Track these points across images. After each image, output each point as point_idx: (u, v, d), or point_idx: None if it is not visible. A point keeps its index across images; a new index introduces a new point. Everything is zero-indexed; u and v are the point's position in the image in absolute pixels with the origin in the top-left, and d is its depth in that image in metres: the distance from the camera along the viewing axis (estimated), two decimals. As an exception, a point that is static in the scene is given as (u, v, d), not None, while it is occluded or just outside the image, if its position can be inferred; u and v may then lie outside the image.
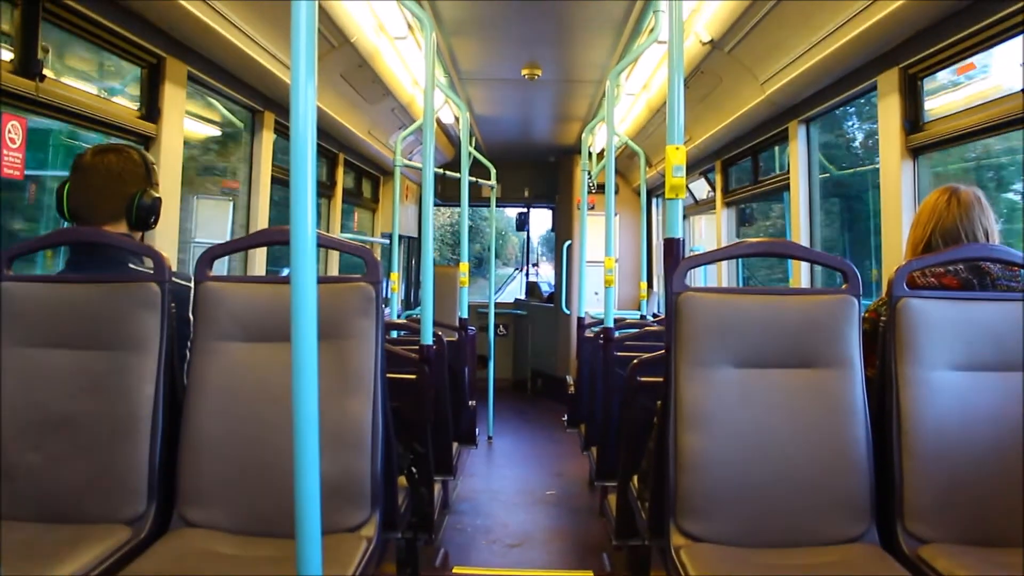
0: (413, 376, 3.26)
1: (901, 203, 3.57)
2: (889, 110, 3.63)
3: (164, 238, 3.44)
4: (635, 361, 3.28)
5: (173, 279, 2.30)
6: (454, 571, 3.88)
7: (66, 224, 2.48)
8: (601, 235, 5.52)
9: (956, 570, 1.95)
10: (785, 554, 2.13)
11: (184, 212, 3.83)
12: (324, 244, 2.13)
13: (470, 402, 5.21)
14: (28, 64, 2.77)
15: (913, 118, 3.55)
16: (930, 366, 2.25)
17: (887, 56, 3.58)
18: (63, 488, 2.12)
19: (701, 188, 7.36)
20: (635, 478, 3.03)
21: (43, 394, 2.19)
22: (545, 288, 10.94)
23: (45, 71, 2.82)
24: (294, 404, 1.45)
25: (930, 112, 3.53)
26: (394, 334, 5.10)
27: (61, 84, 3.01)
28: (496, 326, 8.40)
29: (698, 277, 6.45)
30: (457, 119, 7.09)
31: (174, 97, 3.60)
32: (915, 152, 3.57)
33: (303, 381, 1.44)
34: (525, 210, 11.30)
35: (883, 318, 2.37)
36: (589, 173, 7.08)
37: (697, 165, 6.70)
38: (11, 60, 2.75)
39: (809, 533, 2.20)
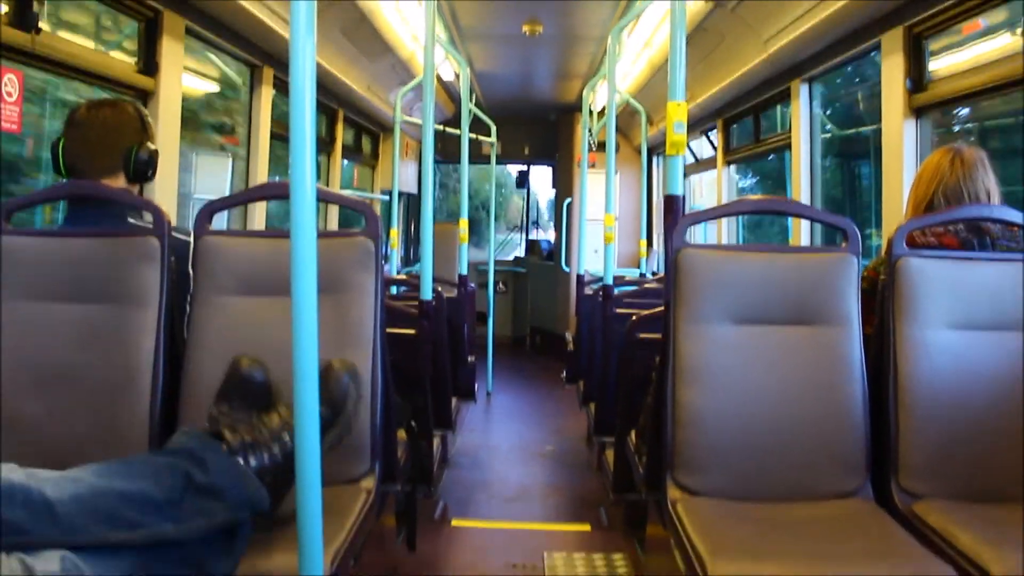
0: (413, 331, 3.28)
1: (903, 163, 3.56)
2: (892, 69, 3.61)
3: (163, 193, 3.43)
4: (634, 317, 3.29)
5: (173, 233, 2.30)
6: (452, 524, 3.92)
7: (63, 180, 2.48)
8: (601, 193, 5.51)
9: (948, 525, 1.97)
10: (780, 508, 2.15)
11: (183, 168, 3.82)
12: (324, 198, 2.13)
13: (469, 358, 5.23)
14: (23, 17, 2.75)
15: (916, 77, 3.53)
16: (928, 325, 2.26)
17: (891, 15, 3.55)
18: (64, 440, 2.13)
19: (701, 148, 7.33)
20: (633, 433, 3.05)
21: (44, 347, 2.20)
22: (544, 246, 10.94)
23: (42, 24, 2.80)
24: (294, 357, 1.46)
25: (933, 73, 3.50)
26: (394, 290, 5.12)
27: (57, 37, 2.98)
28: (495, 283, 8.41)
29: (698, 236, 6.46)
30: (457, 76, 7.04)
31: (172, 51, 3.57)
32: (918, 112, 3.56)
33: (303, 334, 1.44)
34: (525, 168, 11.26)
35: (882, 277, 2.38)
36: (590, 131, 7.05)
37: (698, 124, 6.66)
38: (6, 13, 2.73)
39: (804, 487, 2.23)
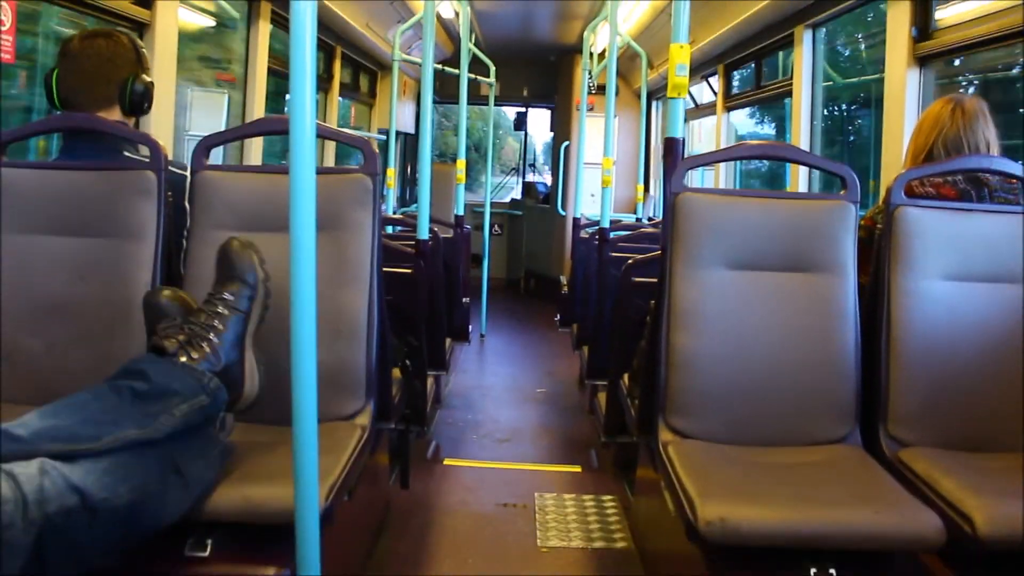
0: (409, 270, 3.28)
1: (904, 112, 3.53)
2: (898, 16, 3.56)
3: (160, 127, 3.39)
4: (630, 261, 3.30)
5: (169, 167, 2.28)
6: (444, 463, 3.96)
7: (57, 112, 2.45)
8: (599, 137, 5.48)
9: (933, 472, 2.01)
10: (770, 452, 2.19)
11: (177, 106, 3.77)
12: (322, 135, 2.12)
13: (464, 299, 5.24)
14: (18, -57, 2.70)
15: (922, 25, 3.48)
16: (923, 275, 2.28)
17: (899, -40, 3.50)
18: (62, 373, 2.14)
19: (701, 93, 7.27)
20: (626, 377, 3.07)
21: (41, 280, 2.20)
22: (541, 189, 10.89)
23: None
24: (291, 293, 1.46)
25: (939, 21, 3.46)
26: (389, 230, 5.10)
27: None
28: (491, 225, 8.40)
29: (695, 182, 6.43)
30: (457, 14, 6.95)
31: (169, -19, 3.51)
32: (922, 61, 3.52)
33: (301, 271, 1.44)
34: (524, 110, 11.17)
35: (879, 226, 2.38)
36: (590, 73, 6.98)
37: (699, 68, 6.59)
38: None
39: (795, 433, 2.26)
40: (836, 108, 5.47)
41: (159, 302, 1.88)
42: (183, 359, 1.76)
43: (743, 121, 6.62)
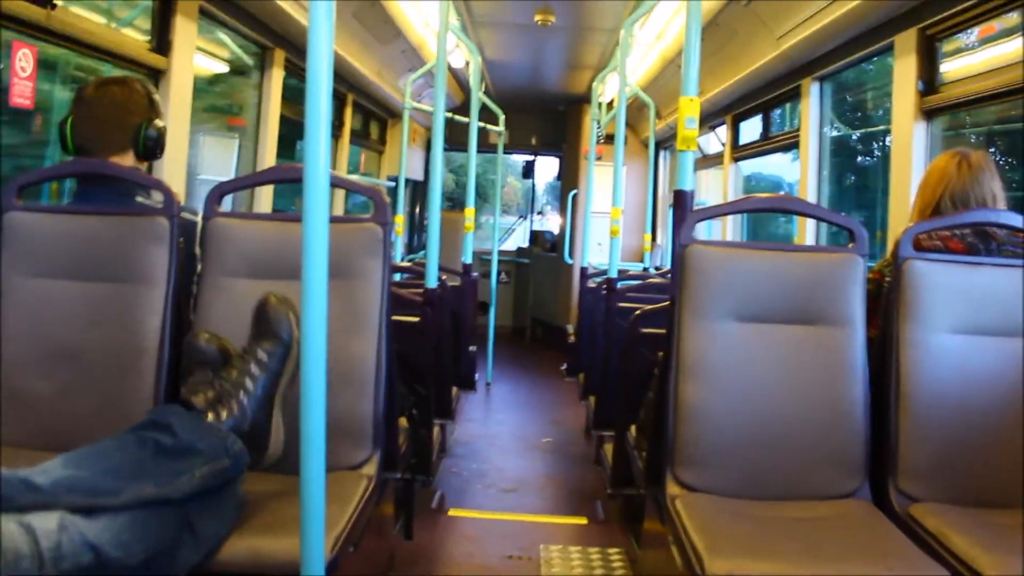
0: (416, 319, 3.28)
1: (911, 165, 3.55)
2: (905, 71, 3.60)
3: (173, 173, 3.43)
4: (638, 312, 3.30)
5: (182, 213, 2.30)
6: (449, 513, 3.93)
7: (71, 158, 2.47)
8: (607, 186, 5.50)
9: (944, 528, 1.98)
10: (779, 507, 2.16)
11: (189, 149, 3.82)
12: (335, 184, 2.13)
13: (471, 347, 5.23)
14: (39, -8, 2.75)
15: (928, 80, 3.52)
16: (932, 329, 2.27)
17: (906, 16, 3.54)
18: (70, 418, 2.14)
19: (708, 144, 7.32)
20: (633, 428, 3.06)
21: (51, 324, 2.20)
22: (548, 237, 10.93)
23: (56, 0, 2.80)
24: (302, 341, 1.46)
25: (945, 75, 3.50)
26: (398, 277, 5.12)
27: (71, 13, 2.98)
28: (498, 273, 8.42)
29: (702, 233, 6.45)
30: (467, 63, 7.03)
31: (185, 30, 3.56)
32: (929, 114, 3.55)
33: (312, 320, 1.45)
34: (532, 158, 11.25)
35: (887, 279, 2.38)
36: (598, 123, 7.04)
37: (707, 119, 6.65)
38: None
39: (803, 487, 2.24)
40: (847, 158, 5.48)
41: (199, 346, 1.89)
42: (211, 417, 1.76)
43: (778, 159, 6.56)
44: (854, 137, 5.32)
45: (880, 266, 2.66)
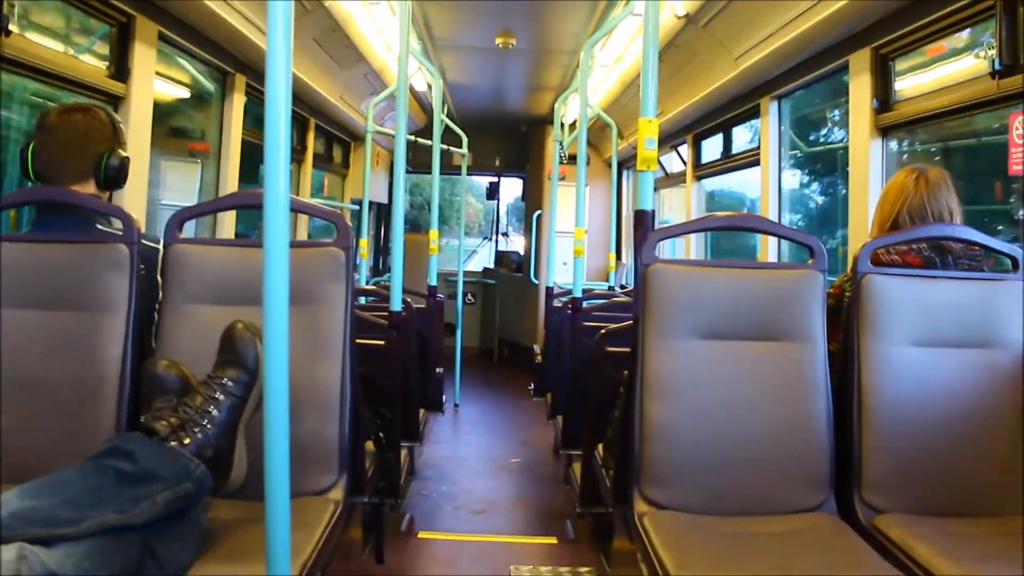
0: (382, 342, 3.27)
1: (869, 181, 3.61)
2: (860, 89, 3.66)
3: (133, 200, 3.40)
4: (603, 331, 3.31)
5: (142, 240, 2.28)
6: (419, 536, 3.91)
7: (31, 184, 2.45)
8: (571, 206, 5.53)
9: (908, 538, 2.01)
10: (746, 522, 2.17)
11: (151, 174, 3.79)
12: (297, 208, 2.13)
13: (437, 369, 5.22)
14: (-7, 19, 2.72)
15: (883, 97, 3.58)
16: (891, 342, 2.30)
17: (859, 36, 3.61)
18: (30, 450, 2.10)
19: (671, 162, 7.38)
20: (600, 447, 3.06)
21: (9, 354, 2.16)
22: (515, 257, 10.94)
23: (11, 27, 2.77)
24: (264, 367, 1.45)
25: (900, 93, 3.56)
26: (362, 300, 5.11)
27: (27, 40, 2.96)
28: (464, 294, 8.41)
29: (666, 251, 6.50)
30: (430, 86, 7.05)
31: (144, 57, 3.54)
32: (884, 131, 3.61)
33: (274, 345, 1.44)
34: (496, 179, 11.27)
35: (847, 294, 2.42)
36: (561, 143, 7.07)
37: (669, 139, 6.71)
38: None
39: (770, 502, 2.26)
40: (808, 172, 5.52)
41: (158, 373, 1.87)
42: (173, 443, 1.74)
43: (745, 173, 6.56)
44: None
45: (840, 281, 2.70)
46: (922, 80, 3.46)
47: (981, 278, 2.38)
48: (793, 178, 5.05)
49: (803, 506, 2.25)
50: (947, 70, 3.31)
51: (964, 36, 3.19)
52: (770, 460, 2.27)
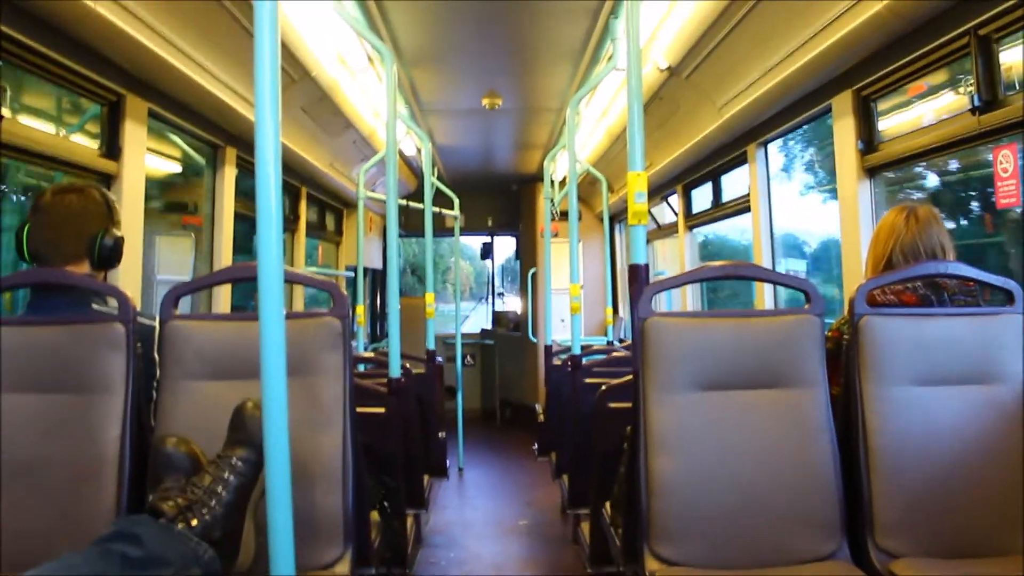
0: (382, 409, 3.25)
1: (859, 222, 3.62)
2: (844, 131, 3.70)
3: (127, 277, 3.40)
4: (603, 387, 3.30)
5: (138, 319, 2.27)
6: (428, 605, 3.85)
7: (26, 266, 2.45)
8: (565, 262, 5.55)
9: (926, 583, 1.98)
10: (759, 574, 2.14)
11: (144, 249, 3.80)
12: (291, 280, 2.13)
13: (440, 434, 5.19)
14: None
15: (867, 138, 3.61)
16: (893, 382, 2.29)
17: (840, 79, 3.65)
18: (29, 536, 2.07)
19: (662, 212, 7.41)
20: (608, 504, 3.03)
21: (6, 440, 2.14)
22: (512, 316, 10.94)
23: (3, 111, 2.80)
24: (265, 441, 1.44)
25: (884, 133, 3.59)
26: (361, 367, 5.09)
27: (19, 124, 2.98)
28: (463, 356, 8.39)
29: (663, 301, 6.50)
30: (419, 150, 7.10)
31: (135, 134, 3.57)
32: (871, 172, 3.64)
33: (273, 417, 1.43)
34: (489, 239, 11.32)
35: (845, 336, 2.41)
36: (552, 200, 7.12)
37: (658, 190, 6.75)
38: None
39: (782, 552, 2.22)
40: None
41: (167, 451, 1.85)
42: (180, 525, 1.72)
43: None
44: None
45: (838, 324, 2.69)
46: (905, 119, 3.49)
47: (978, 313, 2.37)
48: (829, 208, 5.02)
49: (816, 555, 2.22)
50: (929, 107, 3.34)
51: (942, 74, 3.23)
52: (779, 509, 2.24)
